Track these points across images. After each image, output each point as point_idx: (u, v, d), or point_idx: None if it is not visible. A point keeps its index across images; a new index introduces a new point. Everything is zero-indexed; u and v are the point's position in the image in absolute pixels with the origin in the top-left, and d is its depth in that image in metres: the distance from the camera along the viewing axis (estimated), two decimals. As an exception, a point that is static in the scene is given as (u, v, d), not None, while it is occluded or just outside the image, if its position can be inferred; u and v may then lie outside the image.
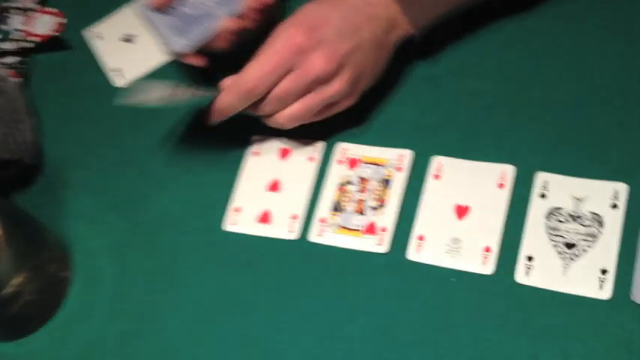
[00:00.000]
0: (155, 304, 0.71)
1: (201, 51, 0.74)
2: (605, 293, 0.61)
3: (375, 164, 0.71)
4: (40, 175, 0.82)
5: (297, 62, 0.66)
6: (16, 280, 0.68)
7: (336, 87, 0.67)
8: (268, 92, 0.67)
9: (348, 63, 0.67)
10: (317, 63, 0.66)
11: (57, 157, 0.83)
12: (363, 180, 0.71)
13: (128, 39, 0.88)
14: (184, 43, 0.72)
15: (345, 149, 0.73)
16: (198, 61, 0.74)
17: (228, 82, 0.68)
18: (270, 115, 0.69)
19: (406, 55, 0.75)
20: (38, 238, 0.73)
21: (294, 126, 0.70)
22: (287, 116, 0.69)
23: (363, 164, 0.72)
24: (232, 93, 0.68)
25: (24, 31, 0.88)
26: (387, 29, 0.69)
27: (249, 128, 0.76)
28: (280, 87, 0.67)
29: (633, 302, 0.60)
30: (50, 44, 0.89)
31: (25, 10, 0.90)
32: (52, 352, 0.71)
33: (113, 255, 0.75)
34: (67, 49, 0.90)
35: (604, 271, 0.62)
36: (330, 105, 0.69)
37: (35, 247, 0.72)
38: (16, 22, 0.89)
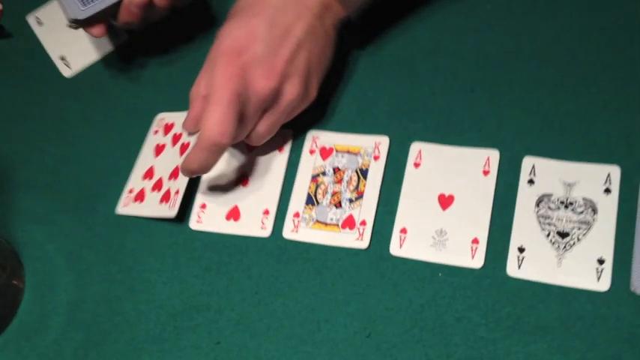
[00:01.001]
0: (115, 312, 0.65)
1: (110, 24, 0.72)
2: (603, 284, 0.57)
3: (350, 153, 0.66)
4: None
5: (245, 91, 0.61)
6: None
7: (289, 96, 0.63)
8: None
9: (291, 68, 0.62)
10: (259, 84, 0.61)
11: (1, 155, 0.76)
12: (337, 170, 0.66)
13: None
14: (82, 10, 0.70)
15: (316, 137, 0.67)
16: (97, 31, 0.71)
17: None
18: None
19: (379, 36, 0.69)
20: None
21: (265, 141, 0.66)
22: (255, 138, 0.65)
23: (336, 153, 0.66)
24: (203, 152, 0.61)
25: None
26: (320, 15, 0.64)
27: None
28: None
29: (633, 293, 0.56)
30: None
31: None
32: (4, 369, 0.65)
33: (67, 259, 0.69)
34: (6, 37, 0.83)
35: (601, 261, 0.58)
36: (293, 109, 0.64)
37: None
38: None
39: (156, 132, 0.72)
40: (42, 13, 0.83)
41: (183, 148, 0.68)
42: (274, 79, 0.61)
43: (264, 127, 0.64)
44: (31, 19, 0.83)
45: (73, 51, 0.79)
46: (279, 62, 0.61)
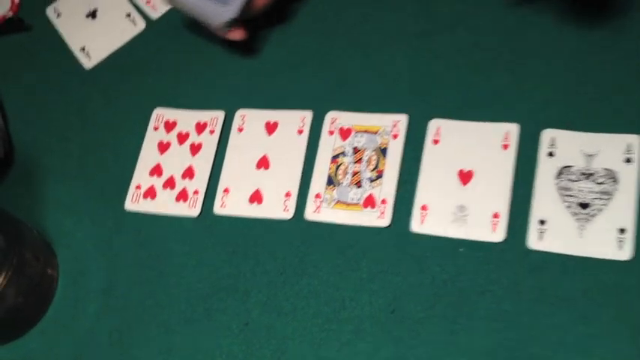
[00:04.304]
0: (147, 296, 0.67)
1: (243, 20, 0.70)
2: (625, 253, 0.57)
3: (369, 132, 0.67)
4: (12, 170, 0.77)
5: None
6: None
7: None
8: None
9: None
10: None
11: (27, 145, 0.78)
12: (357, 150, 0.66)
13: (92, 14, 0.82)
14: (231, 10, 0.66)
15: (335, 118, 0.68)
16: (241, 35, 0.70)
17: None
18: None
19: (396, 11, 0.69)
20: (18, 235, 0.68)
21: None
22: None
23: (355, 133, 0.67)
24: None
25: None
26: None
27: (234, 103, 0.71)
28: None
29: (655, 261, 0.57)
30: (8, 26, 0.82)
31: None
32: (45, 354, 0.67)
33: (97, 247, 0.71)
34: (27, 30, 0.84)
35: (622, 230, 0.58)
36: None
37: (16, 246, 0.66)
38: (-30, 4, 0.83)
39: (156, 128, 0.72)
40: (60, 4, 0.84)
41: (194, 148, 0.69)
42: None
43: None
44: (50, 12, 0.84)
45: (93, 42, 0.80)
46: None
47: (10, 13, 0.82)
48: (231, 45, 0.73)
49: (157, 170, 0.71)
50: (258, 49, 0.74)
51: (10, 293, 0.65)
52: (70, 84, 0.79)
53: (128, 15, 0.80)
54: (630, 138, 0.60)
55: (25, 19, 0.84)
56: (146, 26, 0.80)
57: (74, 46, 0.81)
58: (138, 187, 0.71)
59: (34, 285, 0.68)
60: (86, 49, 0.80)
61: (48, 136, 0.77)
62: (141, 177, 0.71)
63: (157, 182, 0.70)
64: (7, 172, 0.77)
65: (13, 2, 0.82)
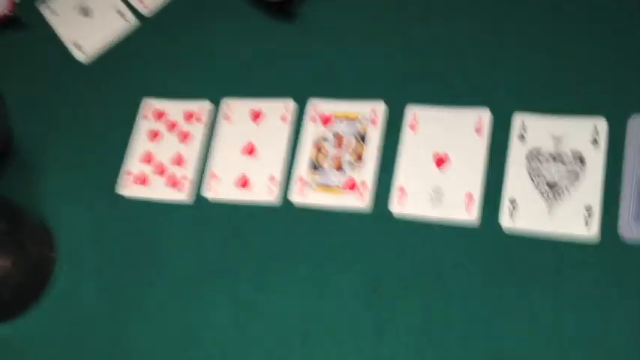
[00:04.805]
0: (140, 277, 0.70)
1: None
2: (592, 231, 0.60)
3: (348, 119, 0.70)
4: (11, 160, 0.80)
5: None
6: (2, 264, 0.68)
7: None
8: None
9: None
10: None
11: (26, 137, 0.81)
12: (338, 136, 0.69)
13: (84, 11, 0.85)
14: None
15: (317, 106, 0.71)
16: None
17: None
18: None
19: (372, 3, 0.73)
20: (19, 220, 0.72)
21: None
22: None
23: (336, 120, 0.70)
24: None
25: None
26: None
27: (221, 92, 0.75)
28: None
29: (621, 238, 0.59)
30: (6, 24, 0.86)
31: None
32: (45, 331, 0.71)
33: (93, 232, 0.74)
34: (24, 27, 0.87)
35: (589, 208, 0.61)
36: None
37: (17, 230, 0.71)
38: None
39: (145, 117, 0.76)
40: (54, 2, 0.87)
41: (183, 134, 0.73)
42: None
43: None
44: (43, 8, 0.87)
45: (86, 37, 0.83)
46: None
47: (7, 12, 0.85)
48: (271, 8, 0.76)
49: (147, 157, 0.74)
50: (296, 13, 0.77)
51: (13, 273, 0.69)
52: (64, 78, 0.83)
53: (118, 11, 0.83)
54: (597, 120, 0.63)
55: (22, 17, 0.87)
56: (137, 22, 0.83)
57: (68, 42, 0.84)
58: (129, 174, 0.74)
59: (34, 266, 0.72)
60: (79, 44, 0.83)
61: (45, 128, 0.81)
62: (132, 164, 0.74)
63: (148, 169, 0.74)
64: (8, 162, 0.80)
65: (11, 2, 0.85)
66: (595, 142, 0.63)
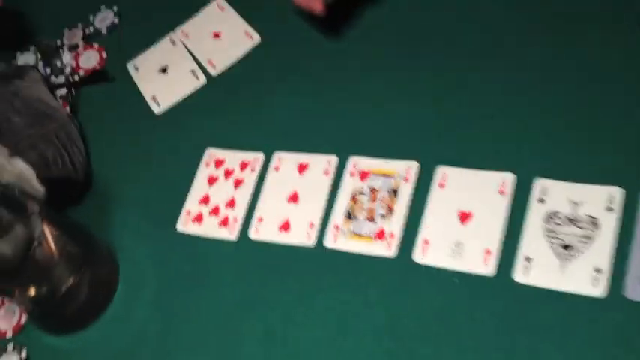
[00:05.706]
0: (189, 304, 0.78)
1: None
2: (600, 290, 0.64)
3: (385, 176, 0.76)
4: (90, 193, 0.91)
5: None
6: (71, 281, 0.78)
7: None
8: None
9: None
10: None
11: (104, 177, 0.92)
12: (373, 190, 0.76)
13: (163, 69, 0.96)
14: None
15: (356, 163, 0.78)
16: (319, 7, 0.83)
17: None
18: None
19: (405, 70, 0.81)
20: (90, 246, 0.82)
21: None
22: None
23: (373, 176, 0.77)
24: None
25: (73, 66, 0.97)
26: None
27: (272, 145, 0.83)
28: None
29: (627, 298, 0.63)
30: (95, 77, 0.97)
31: (73, 47, 1.00)
32: (100, 347, 0.79)
33: (153, 260, 0.83)
34: (110, 80, 0.99)
35: (598, 270, 0.65)
36: None
37: (87, 254, 0.80)
38: (67, 58, 0.99)
39: (207, 164, 0.85)
40: (139, 60, 0.98)
41: (237, 182, 0.81)
42: None
43: None
44: (130, 66, 0.98)
45: (162, 92, 0.94)
46: None
47: (98, 66, 0.97)
48: (312, 18, 0.86)
49: (205, 199, 0.83)
50: (335, 30, 0.88)
51: (81, 291, 0.79)
52: (141, 125, 0.93)
53: (192, 71, 0.93)
54: (612, 190, 0.68)
55: (110, 72, 0.99)
56: (206, 80, 0.93)
57: (147, 95, 0.95)
58: (188, 213, 0.83)
59: (99, 287, 0.81)
60: (156, 97, 0.94)
61: (121, 168, 0.91)
62: (191, 204, 0.83)
63: (205, 210, 0.82)
64: (86, 195, 0.91)
65: (100, 57, 0.97)
66: (610, 209, 0.67)
